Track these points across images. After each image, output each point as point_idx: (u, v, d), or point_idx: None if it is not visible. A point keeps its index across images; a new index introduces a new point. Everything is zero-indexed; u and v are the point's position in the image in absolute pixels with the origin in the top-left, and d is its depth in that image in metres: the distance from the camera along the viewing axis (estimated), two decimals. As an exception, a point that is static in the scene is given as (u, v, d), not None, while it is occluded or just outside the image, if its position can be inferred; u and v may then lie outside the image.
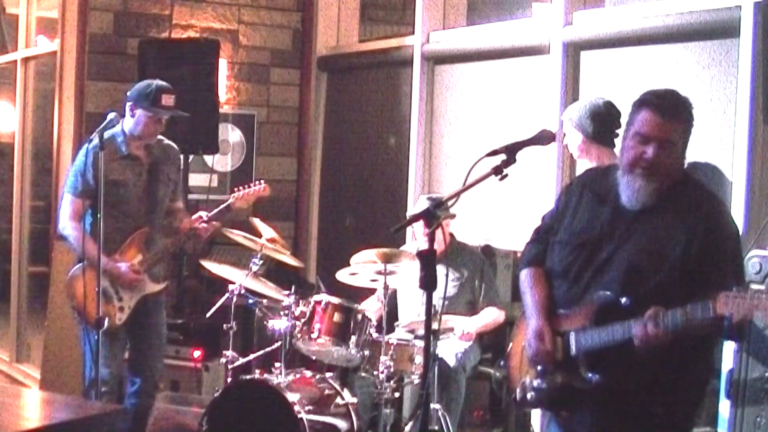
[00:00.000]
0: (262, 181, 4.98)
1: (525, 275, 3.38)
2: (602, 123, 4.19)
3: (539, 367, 3.19)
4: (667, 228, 3.05)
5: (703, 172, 4.21)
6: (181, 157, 5.20)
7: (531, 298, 3.29)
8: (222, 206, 4.90)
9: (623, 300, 3.03)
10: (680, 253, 3.01)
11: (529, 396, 3.21)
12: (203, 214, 4.82)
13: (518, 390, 3.27)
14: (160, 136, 4.89)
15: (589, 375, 3.05)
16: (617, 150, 4.16)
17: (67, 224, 4.68)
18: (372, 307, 5.08)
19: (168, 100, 4.70)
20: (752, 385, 3.66)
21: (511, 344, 3.47)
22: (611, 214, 3.16)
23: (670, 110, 3.06)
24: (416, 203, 5.50)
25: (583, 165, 4.30)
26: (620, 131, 4.14)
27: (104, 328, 4.24)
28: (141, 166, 4.75)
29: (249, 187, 4.92)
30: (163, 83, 4.75)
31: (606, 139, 4.21)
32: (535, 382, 3.19)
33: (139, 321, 4.78)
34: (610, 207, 3.17)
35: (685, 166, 3.18)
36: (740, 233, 3.18)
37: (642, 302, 2.98)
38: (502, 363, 3.47)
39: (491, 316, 5.02)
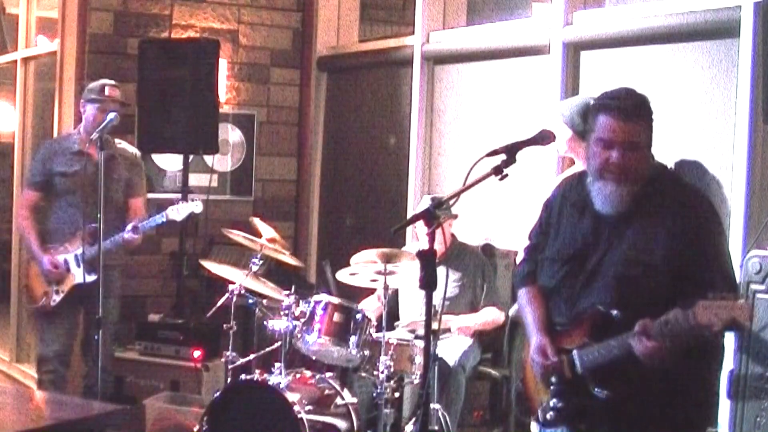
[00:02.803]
0: (196, 198, 5.29)
1: (521, 295, 3.40)
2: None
3: (552, 386, 3.19)
4: (648, 231, 3.05)
5: (688, 169, 4.23)
6: (139, 158, 5.52)
7: (529, 317, 3.31)
8: (157, 217, 5.13)
9: (614, 313, 3.03)
10: (664, 256, 3.00)
11: (549, 416, 3.20)
12: (137, 223, 5.07)
13: (540, 412, 3.26)
14: (118, 139, 5.37)
15: (597, 390, 3.05)
16: None
17: (18, 214, 5.35)
18: (371, 306, 5.09)
19: (112, 91, 5.21)
20: (752, 385, 3.66)
21: (522, 362, 3.47)
22: (592, 224, 3.16)
23: (628, 112, 3.04)
24: (420, 203, 5.50)
25: (572, 162, 4.34)
26: None
27: (39, 305, 5.15)
28: (90, 161, 5.08)
29: (185, 202, 5.21)
30: (109, 80, 5.29)
31: None
32: (552, 402, 3.19)
33: (85, 308, 5.20)
34: (590, 216, 3.16)
35: (671, 163, 3.18)
36: (721, 221, 3.17)
37: (636, 311, 2.97)
38: (520, 382, 3.48)
39: (490, 315, 5.03)
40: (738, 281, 3.42)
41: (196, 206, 5.18)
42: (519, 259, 3.63)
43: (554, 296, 3.25)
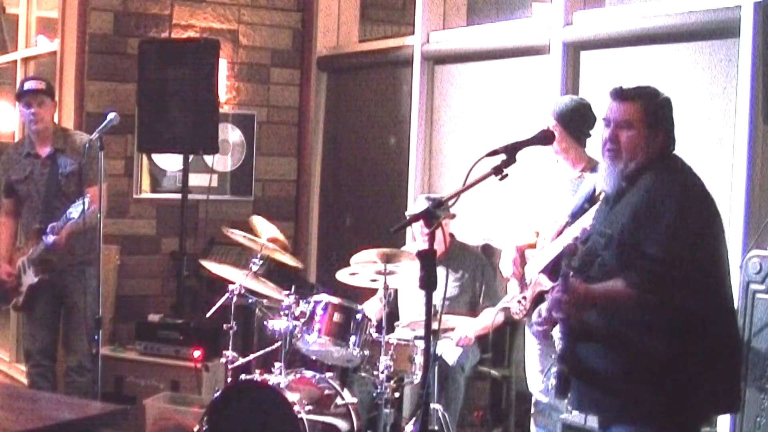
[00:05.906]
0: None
1: None
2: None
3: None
4: (622, 208, 3.13)
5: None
6: (90, 142, 4.86)
7: None
8: (64, 216, 4.88)
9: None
10: (621, 227, 3.07)
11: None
12: (54, 225, 4.95)
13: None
14: (68, 127, 5.42)
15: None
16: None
17: None
18: (373, 309, 5.08)
19: (30, 84, 5.22)
20: (752, 385, 3.67)
21: None
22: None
23: (624, 94, 3.18)
24: (415, 203, 5.50)
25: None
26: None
27: (10, 305, 5.29)
28: (40, 161, 5.19)
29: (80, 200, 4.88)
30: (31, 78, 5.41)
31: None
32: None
33: (59, 303, 5.27)
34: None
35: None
36: (710, 217, 3.11)
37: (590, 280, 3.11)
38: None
39: (489, 319, 5.02)
40: (738, 281, 3.42)
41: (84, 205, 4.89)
42: None
43: None
